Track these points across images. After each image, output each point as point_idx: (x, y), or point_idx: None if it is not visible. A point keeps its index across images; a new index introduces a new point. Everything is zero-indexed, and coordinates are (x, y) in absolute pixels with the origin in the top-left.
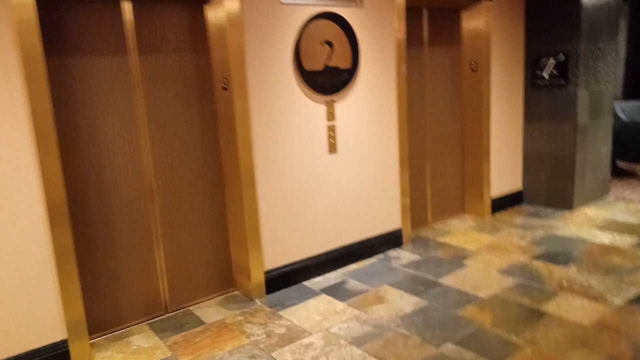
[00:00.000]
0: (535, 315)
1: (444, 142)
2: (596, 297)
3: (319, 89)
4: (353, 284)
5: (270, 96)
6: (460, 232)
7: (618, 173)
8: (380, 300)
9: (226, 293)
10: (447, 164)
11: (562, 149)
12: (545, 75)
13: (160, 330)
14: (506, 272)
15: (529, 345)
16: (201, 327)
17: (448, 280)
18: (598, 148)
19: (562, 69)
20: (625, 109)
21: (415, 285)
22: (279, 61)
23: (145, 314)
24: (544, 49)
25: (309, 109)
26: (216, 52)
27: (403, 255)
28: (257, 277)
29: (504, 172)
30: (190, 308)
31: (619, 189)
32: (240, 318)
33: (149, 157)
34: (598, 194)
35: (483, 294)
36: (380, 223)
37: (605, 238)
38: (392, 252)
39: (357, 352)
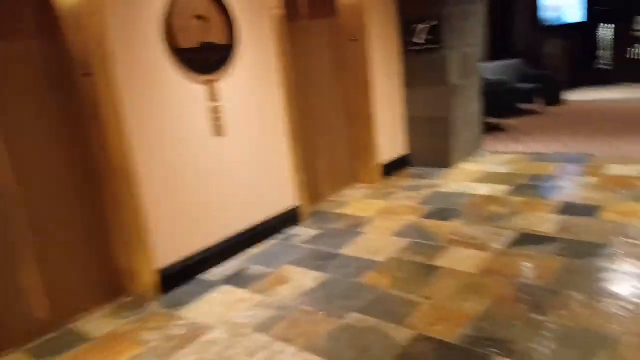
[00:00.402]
0: (429, 271)
1: (331, 114)
2: (480, 246)
3: (197, 68)
4: (255, 269)
5: (142, 80)
6: (355, 201)
7: (488, 129)
8: (283, 281)
9: (116, 301)
10: (336, 136)
11: (438, 111)
12: (419, 40)
13: (42, 355)
14: (400, 234)
15: (426, 301)
16: (89, 344)
17: (347, 250)
18: (470, 107)
19: (434, 33)
20: (489, 70)
21: (316, 261)
22: (149, 40)
23: (22, 339)
24: (416, 15)
25: (188, 90)
26: (74, 35)
27: (302, 232)
28: (148, 279)
29: (390, 138)
30: (76, 324)
31: (490, 143)
32: (134, 326)
33: (5, 161)
34: (473, 150)
35: (381, 258)
36: (277, 202)
37: (483, 190)
38: (292, 230)
39: (263, 338)
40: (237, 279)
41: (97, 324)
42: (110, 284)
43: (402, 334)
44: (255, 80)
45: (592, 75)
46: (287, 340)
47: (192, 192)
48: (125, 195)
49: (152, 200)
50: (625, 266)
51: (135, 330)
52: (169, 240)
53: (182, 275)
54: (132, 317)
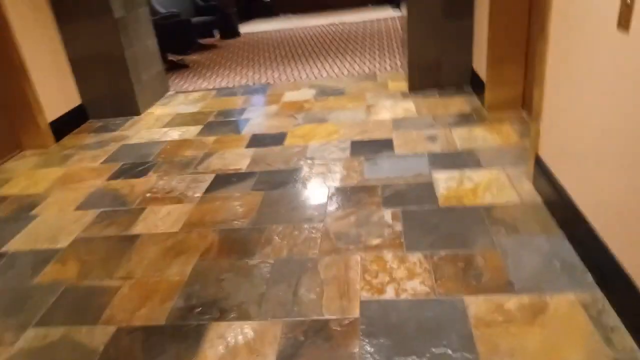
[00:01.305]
0: (126, 244)
1: None
2: (179, 198)
3: None
4: None
5: None
6: (22, 175)
7: (171, 67)
8: None
9: None
10: None
11: (109, 49)
12: None
13: None
14: (85, 205)
15: (126, 282)
16: None
17: (15, 244)
18: (144, 43)
19: None
20: (159, 1)
21: None
22: None
23: None
24: None
25: None
26: None
27: None
28: None
29: (56, 89)
30: None
31: (176, 82)
32: None
33: None
34: (159, 92)
35: (63, 243)
36: None
37: (175, 134)
38: None
39: None
40: None
41: None
42: None
43: (98, 337)
44: None
45: (260, 8)
46: None
47: None
48: None
49: None
50: (312, 185)
51: None
52: None
53: None
54: None
